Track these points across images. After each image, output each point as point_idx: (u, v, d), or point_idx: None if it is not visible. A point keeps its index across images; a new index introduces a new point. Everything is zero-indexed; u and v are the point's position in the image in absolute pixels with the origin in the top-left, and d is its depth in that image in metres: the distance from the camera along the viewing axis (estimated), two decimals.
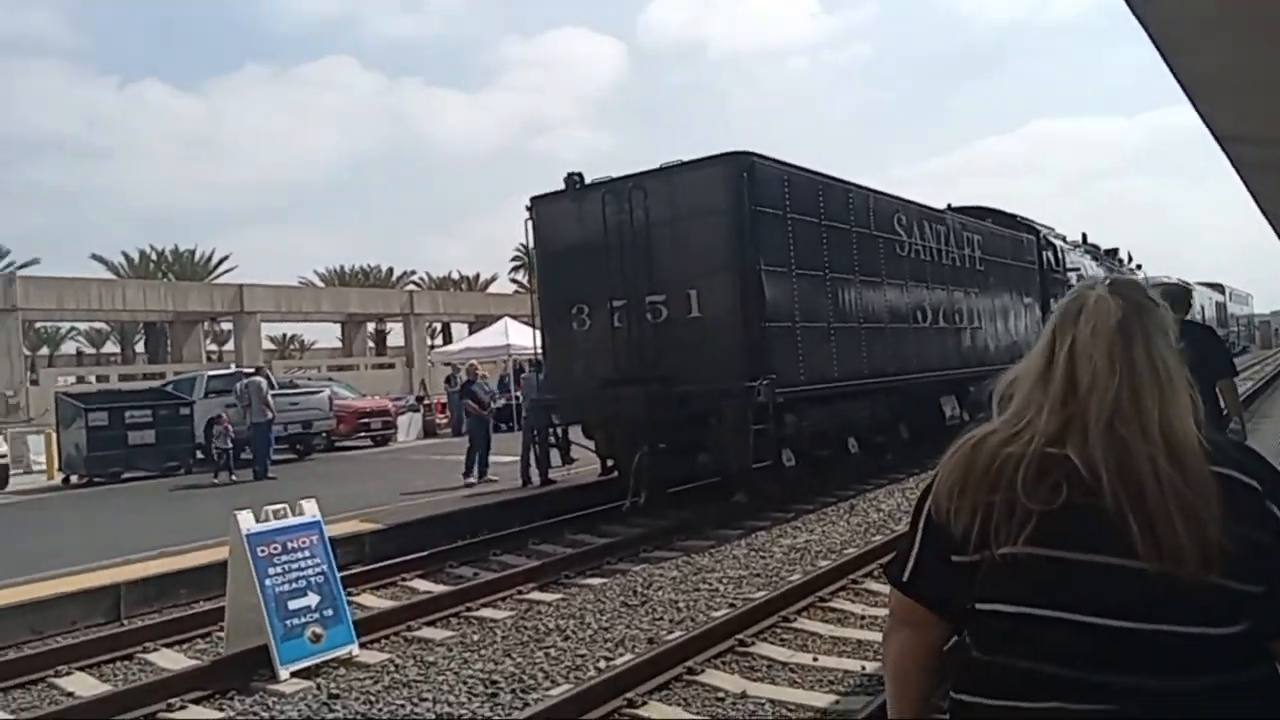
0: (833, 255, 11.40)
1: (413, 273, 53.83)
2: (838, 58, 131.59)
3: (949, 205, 18.70)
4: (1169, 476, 1.18)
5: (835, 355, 11.26)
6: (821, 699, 5.08)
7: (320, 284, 49.32)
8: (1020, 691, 1.23)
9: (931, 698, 1.44)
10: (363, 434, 20.72)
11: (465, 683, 5.59)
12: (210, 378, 18.80)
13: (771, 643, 6.16)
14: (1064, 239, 22.98)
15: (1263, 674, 1.21)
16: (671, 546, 9.32)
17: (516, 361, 20.09)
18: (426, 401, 24.71)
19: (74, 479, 16.72)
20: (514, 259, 50.88)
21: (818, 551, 8.74)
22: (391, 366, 42.54)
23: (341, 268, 51.49)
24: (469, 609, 7.26)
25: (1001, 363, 15.30)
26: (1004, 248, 17.34)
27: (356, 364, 43.34)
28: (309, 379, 25.58)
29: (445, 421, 22.85)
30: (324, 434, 19.03)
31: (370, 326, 46.63)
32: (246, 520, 6.15)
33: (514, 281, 52.84)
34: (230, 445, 15.08)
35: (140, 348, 45.36)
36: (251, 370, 16.31)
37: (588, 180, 11.15)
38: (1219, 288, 50.11)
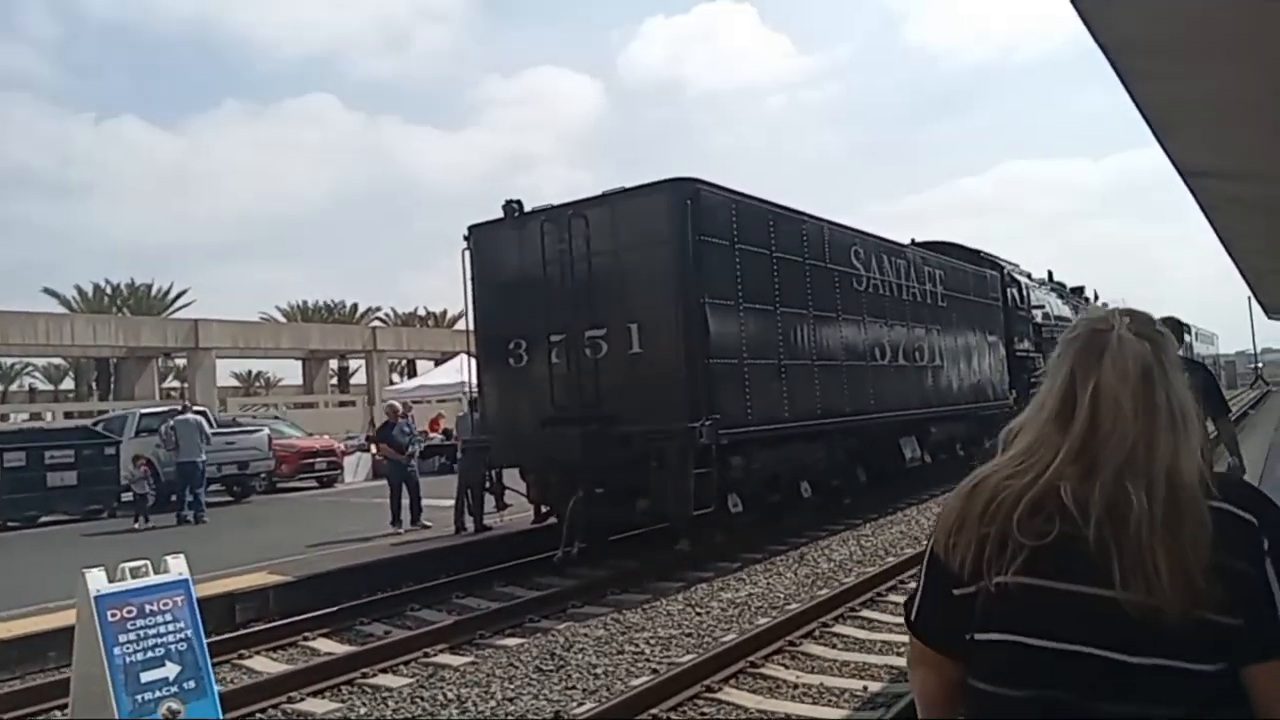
0: (784, 289, 10.86)
1: (378, 309, 52.94)
2: (813, 97, 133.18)
3: (913, 240, 18.38)
4: (1161, 513, 1.19)
5: (786, 394, 10.67)
6: None
7: (282, 319, 48.32)
8: (1016, 718, 1.25)
9: None
10: (307, 475, 19.82)
11: None
12: (143, 415, 17.89)
13: (693, 715, 5.49)
14: (1029, 276, 22.71)
15: (1247, 714, 1.19)
16: (603, 600, 8.61)
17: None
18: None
19: None
20: None
21: (759, 607, 8.06)
22: (353, 404, 41.57)
23: (304, 303, 50.51)
24: (365, 675, 6.51)
25: (965, 402, 14.89)
26: (967, 284, 16.94)
27: (317, 401, 42.33)
28: (253, 417, 24.67)
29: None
30: (262, 475, 18.14)
31: (333, 364, 45.68)
32: (97, 580, 5.37)
33: None
34: (150, 489, 14.21)
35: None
36: (180, 409, 15.44)
37: (528, 208, 10.58)
38: (1186, 327, 50.26)
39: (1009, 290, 19.63)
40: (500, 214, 10.67)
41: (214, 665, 7.15)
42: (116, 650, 5.27)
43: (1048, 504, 1.24)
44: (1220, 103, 8.78)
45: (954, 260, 16.75)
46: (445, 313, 56.24)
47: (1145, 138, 9.86)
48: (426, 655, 6.97)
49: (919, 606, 1.41)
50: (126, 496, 15.73)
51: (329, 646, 7.62)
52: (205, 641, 5.86)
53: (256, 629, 7.96)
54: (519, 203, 10.51)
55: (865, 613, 7.69)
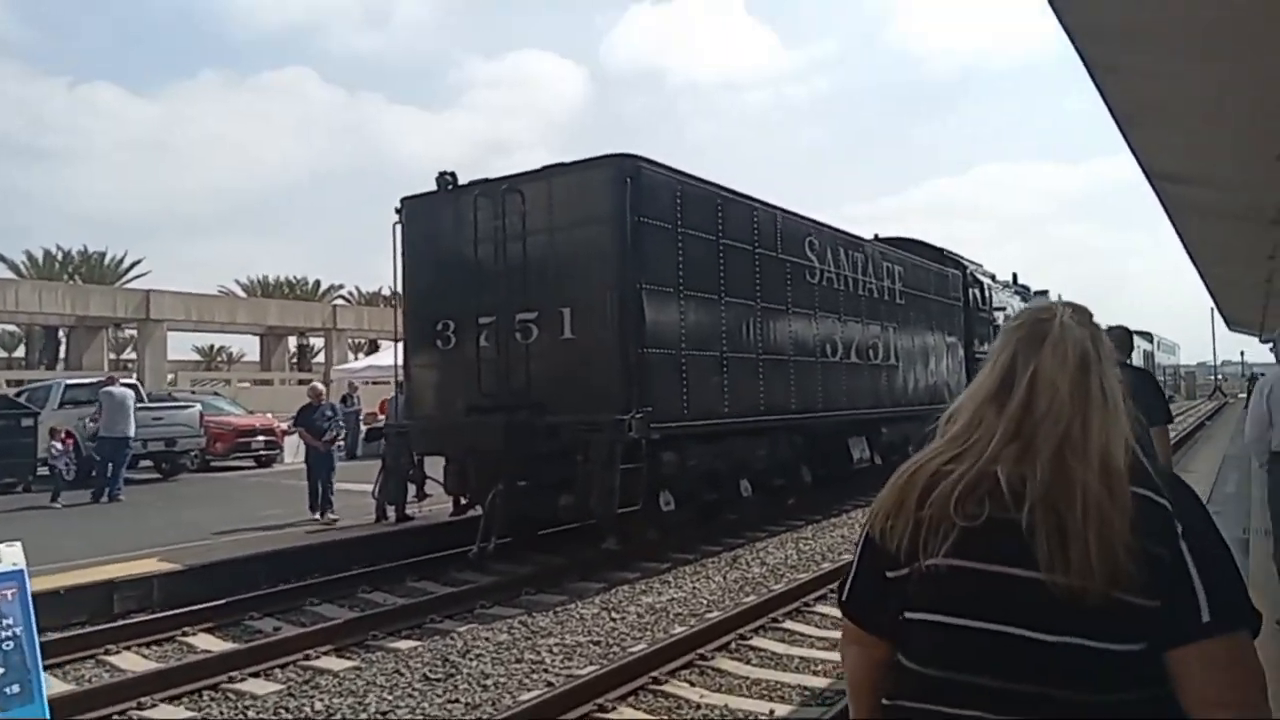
0: (730, 277, 10.35)
1: (341, 286, 51.93)
2: (797, 92, 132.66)
3: (875, 235, 17.94)
4: (1097, 496, 1.22)
5: (728, 389, 10.16)
6: None
7: (242, 294, 47.25)
8: (942, 698, 1.27)
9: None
10: (243, 454, 19.08)
11: None
12: (68, 386, 17.09)
13: None
14: (993, 277, 22.38)
15: (1165, 694, 1.21)
16: (516, 601, 8.08)
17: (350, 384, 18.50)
18: None
19: None
20: None
21: (677, 614, 7.57)
22: (310, 383, 40.68)
23: (265, 278, 49.40)
24: (232, 679, 5.93)
25: (920, 403, 14.41)
26: (927, 281, 16.53)
27: (273, 379, 41.41)
28: (192, 392, 23.85)
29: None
30: (193, 453, 17.40)
31: (292, 341, 44.70)
32: None
33: None
34: (68, 463, 13.48)
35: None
36: (105, 380, 14.68)
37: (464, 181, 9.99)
38: (1148, 336, 50.49)
39: (971, 290, 19.26)
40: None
41: (78, 661, 6.58)
42: None
43: (981, 487, 1.27)
44: (1184, 102, 8.42)
45: (915, 257, 16.32)
46: None
47: (1120, 145, 9.54)
48: (308, 658, 6.40)
49: (851, 588, 1.45)
50: (44, 471, 14.98)
51: (209, 643, 7.03)
52: (38, 640, 5.27)
53: (135, 621, 7.36)
54: (453, 174, 9.91)
55: (789, 624, 7.21)
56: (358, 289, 53.01)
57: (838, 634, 7.02)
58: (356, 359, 39.15)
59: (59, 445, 13.57)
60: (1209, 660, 1.20)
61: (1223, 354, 68.73)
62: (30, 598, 5.30)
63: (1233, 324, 38.04)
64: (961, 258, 19.83)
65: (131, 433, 13.58)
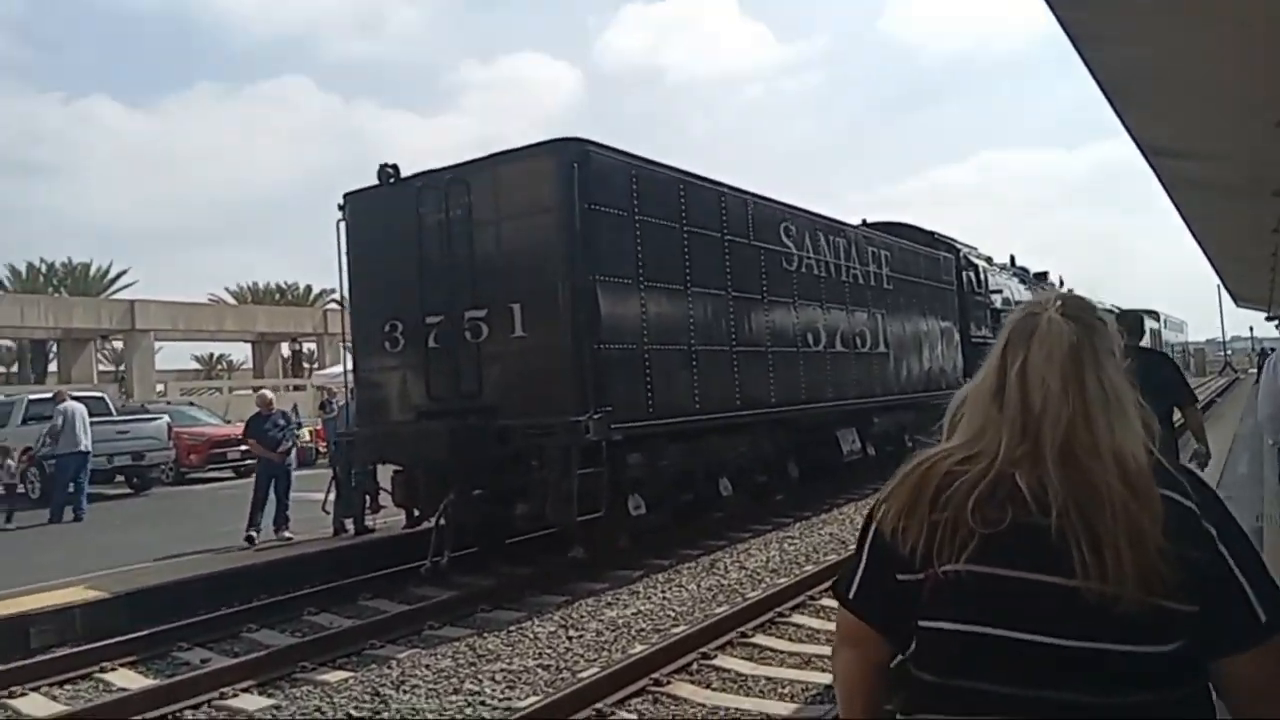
0: (697, 267, 9.75)
1: (333, 291, 51.32)
2: (791, 86, 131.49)
3: (864, 220, 17.33)
4: (1123, 499, 1.18)
5: (698, 384, 9.57)
6: None
7: (233, 302, 46.74)
8: (966, 709, 1.23)
9: (879, 714, 1.42)
10: (220, 465, 18.53)
11: None
12: (31, 402, 16.56)
13: None
14: (989, 260, 21.74)
15: (1195, 691, 1.20)
16: (468, 620, 7.52)
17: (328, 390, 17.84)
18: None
19: None
20: None
21: (640, 630, 6.99)
22: (304, 388, 40.17)
23: (255, 285, 48.88)
24: None
25: (915, 391, 13.81)
26: (917, 266, 15.90)
27: (266, 386, 40.88)
28: (168, 403, 23.33)
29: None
30: (162, 466, 16.87)
31: (285, 347, 44.21)
32: None
33: None
34: (26, 481, 12.97)
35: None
36: (54, 396, 14.11)
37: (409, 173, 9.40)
38: (1154, 315, 49.62)
39: (965, 274, 18.60)
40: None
41: None
42: None
43: (1000, 490, 1.23)
44: (1175, 70, 7.86)
45: (902, 241, 15.68)
46: None
47: (1118, 129, 8.96)
48: (224, 696, 5.84)
49: (859, 584, 1.39)
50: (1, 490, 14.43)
51: (128, 680, 6.48)
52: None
53: (50, 657, 6.80)
54: (395, 167, 9.32)
55: (759, 639, 6.62)
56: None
57: (812, 648, 6.49)
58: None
59: (11, 463, 13.03)
60: (1268, 660, 1.18)
61: (1231, 330, 67.90)
62: None
63: (1240, 300, 37.37)
64: (954, 240, 19.19)
65: (87, 447, 13.04)
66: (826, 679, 5.57)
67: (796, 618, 7.09)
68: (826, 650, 6.38)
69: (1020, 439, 1.25)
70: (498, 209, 8.73)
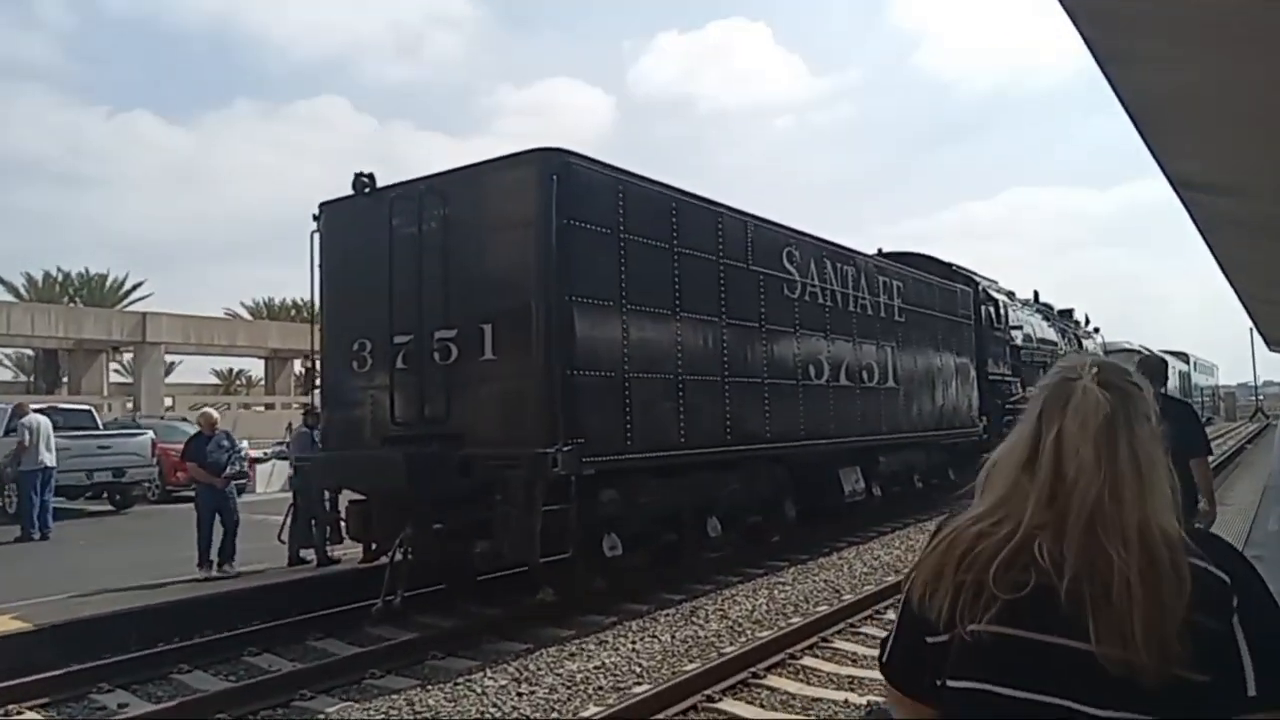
0: (688, 291, 9.13)
1: None
2: (823, 119, 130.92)
3: (879, 250, 16.72)
4: (1136, 580, 1.17)
5: (684, 415, 8.92)
6: None
7: (249, 317, 46.63)
8: None
9: None
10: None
11: None
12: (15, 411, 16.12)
13: None
14: (1011, 294, 21.01)
15: None
16: (415, 670, 6.87)
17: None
18: None
19: None
20: None
21: (599, 688, 6.31)
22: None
23: (270, 300, 48.78)
24: None
25: (925, 429, 13.12)
26: (932, 298, 15.20)
27: (275, 403, 40.58)
28: (161, 418, 22.90)
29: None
30: (145, 483, 16.36)
31: (297, 364, 43.98)
32: None
33: None
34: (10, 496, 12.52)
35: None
36: (12, 406, 13.62)
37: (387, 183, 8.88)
38: (1184, 357, 48.39)
39: (984, 308, 17.88)
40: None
41: None
42: None
43: (1023, 556, 1.24)
44: (1208, 96, 7.28)
45: (916, 272, 15.01)
46: None
47: (1151, 168, 8.14)
48: None
49: (891, 650, 1.43)
50: None
51: None
52: None
53: None
54: (370, 176, 8.80)
55: (726, 703, 5.92)
56: None
57: (785, 716, 5.81)
58: None
59: None
60: None
61: (1263, 374, 66.29)
62: None
63: (1272, 344, 36.24)
64: (974, 273, 18.51)
65: (49, 463, 12.55)
66: None
67: (771, 679, 6.38)
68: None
69: (1048, 507, 1.26)
70: (472, 222, 8.19)
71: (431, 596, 9.03)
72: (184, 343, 36.44)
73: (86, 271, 40.01)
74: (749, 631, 7.82)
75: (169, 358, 44.68)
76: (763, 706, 5.92)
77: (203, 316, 38.03)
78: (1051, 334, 23.00)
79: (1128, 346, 30.58)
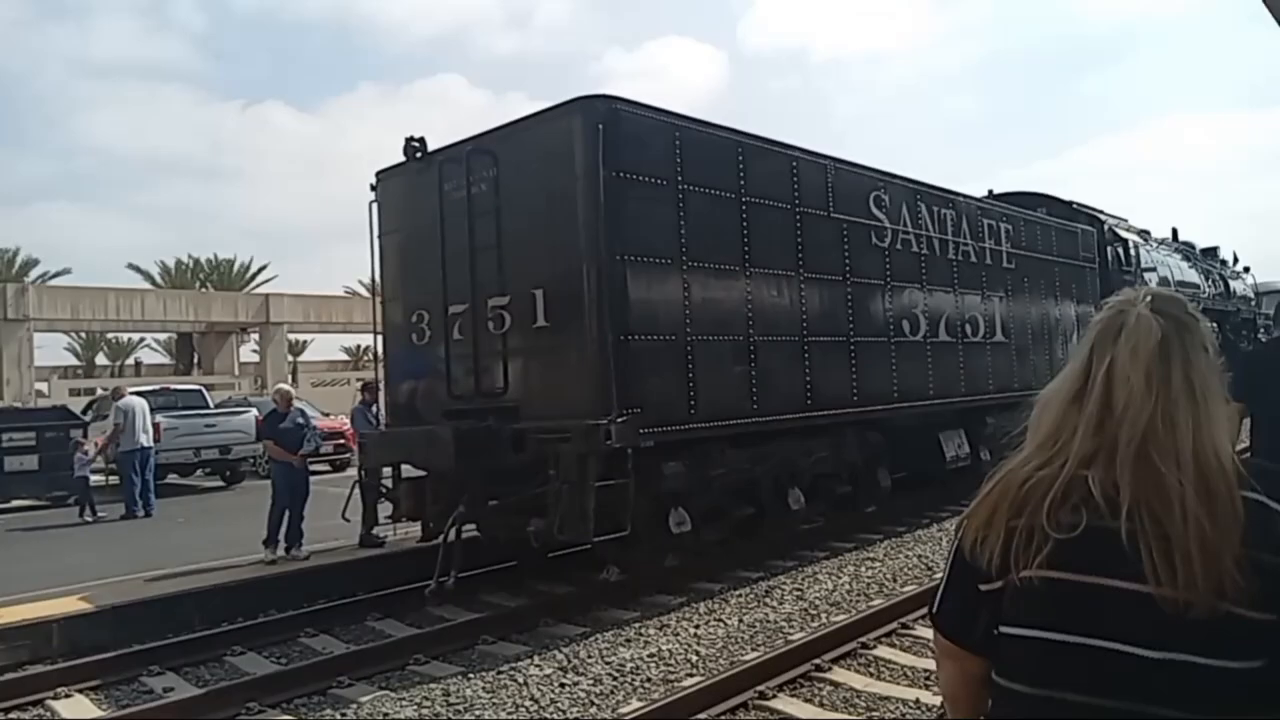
0: (759, 244, 8.43)
1: None
2: (948, 59, 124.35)
3: (990, 192, 15.48)
4: (1194, 504, 1.14)
5: (756, 381, 8.26)
6: None
7: (366, 294, 48.00)
8: (1045, 716, 1.21)
9: None
10: (315, 458, 18.43)
11: None
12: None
13: None
14: (1146, 234, 19.24)
15: None
16: (462, 655, 6.56)
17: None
18: None
19: None
20: None
21: (647, 679, 5.83)
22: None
23: None
24: None
25: (1040, 386, 12.15)
26: (1048, 241, 13.87)
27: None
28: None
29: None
30: (251, 459, 16.80)
31: None
32: None
33: None
34: (89, 475, 12.99)
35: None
36: (113, 392, 14.02)
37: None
38: None
39: (1111, 249, 16.35)
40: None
41: None
42: None
43: (1074, 494, 1.20)
44: None
45: (1029, 213, 13.71)
46: None
47: None
48: None
49: (941, 600, 1.38)
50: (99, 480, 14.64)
51: (79, 710, 5.85)
52: None
53: (18, 674, 6.27)
54: (421, 140, 8.43)
55: (781, 700, 5.33)
56: None
57: (843, 717, 5.19)
58: None
59: (82, 456, 13.06)
60: None
61: None
62: None
63: None
64: (1098, 211, 16.95)
65: (146, 443, 12.91)
66: None
67: (837, 672, 5.73)
68: None
69: (1095, 437, 1.22)
70: (521, 181, 7.71)
71: (501, 574, 8.76)
72: (305, 321, 37.71)
73: (215, 257, 41.89)
74: (824, 615, 7.18)
75: (301, 336, 46.76)
76: (822, 705, 5.30)
77: (322, 296, 39.23)
78: (1193, 275, 21.00)
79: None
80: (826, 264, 9.29)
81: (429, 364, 8.43)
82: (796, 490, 9.14)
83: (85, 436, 14.11)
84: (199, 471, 17.69)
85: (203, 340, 38.57)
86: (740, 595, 7.82)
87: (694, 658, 6.20)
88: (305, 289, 43.88)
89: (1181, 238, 22.63)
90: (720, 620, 7.10)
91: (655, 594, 7.87)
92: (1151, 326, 1.23)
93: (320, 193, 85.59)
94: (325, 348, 54.16)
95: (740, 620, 7.06)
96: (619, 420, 6.90)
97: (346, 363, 59.49)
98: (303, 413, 9.80)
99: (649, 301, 7.38)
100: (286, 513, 9.04)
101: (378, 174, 9.05)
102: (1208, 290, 21.60)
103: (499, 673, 6.02)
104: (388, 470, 8.72)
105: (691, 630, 6.83)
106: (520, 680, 5.87)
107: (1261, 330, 23.80)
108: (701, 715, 4.94)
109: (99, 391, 22.46)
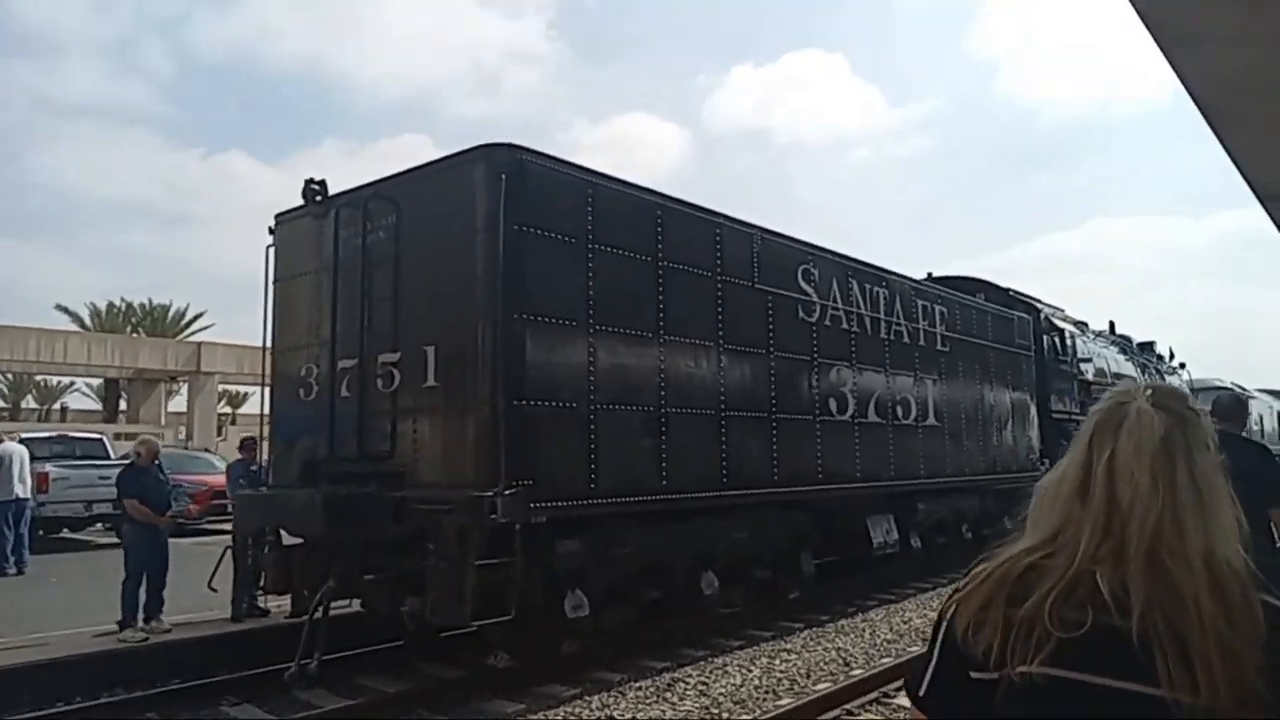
0: (676, 311, 8.01)
1: None
2: (902, 150, 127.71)
3: (929, 275, 15.34)
4: (1210, 611, 1.10)
5: (667, 454, 7.76)
6: None
7: None
8: None
9: None
10: (222, 516, 17.39)
11: None
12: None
13: None
14: (1083, 325, 19.30)
15: None
16: None
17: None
18: None
19: None
20: None
21: None
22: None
23: None
24: None
25: (975, 472, 11.58)
26: (983, 326, 13.72)
27: None
28: (186, 448, 22.52)
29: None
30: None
31: None
32: None
33: None
34: None
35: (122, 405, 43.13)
36: None
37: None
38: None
39: (1047, 337, 16.28)
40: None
41: None
42: None
43: (1080, 591, 1.17)
44: (1272, 80, 6.18)
45: (964, 296, 13.57)
46: None
47: (1248, 196, 7.57)
48: None
49: (930, 682, 1.32)
50: None
51: None
52: None
53: None
54: (322, 183, 7.93)
55: None
56: None
57: None
58: None
59: None
60: None
61: None
62: None
63: None
64: (1037, 300, 16.92)
65: (22, 494, 11.98)
66: None
67: None
68: None
69: (1104, 537, 1.19)
70: (421, 230, 7.23)
71: (388, 654, 8.03)
72: (239, 372, 36.53)
73: (149, 302, 40.66)
74: (726, 714, 6.56)
75: (242, 388, 45.36)
76: None
77: (257, 347, 38.06)
78: (1129, 368, 21.08)
79: (1217, 384, 28.18)
80: (749, 336, 8.90)
81: (315, 421, 7.79)
82: (711, 574, 8.57)
83: None
84: (99, 525, 16.57)
85: (130, 387, 37.20)
86: (640, 688, 7.16)
87: None
88: (248, 340, 42.94)
89: (1121, 332, 22.86)
90: (612, 718, 6.44)
91: (548, 683, 7.20)
92: (1154, 422, 1.22)
93: None
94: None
95: (634, 719, 6.41)
96: (507, 492, 6.32)
97: None
98: (162, 468, 9.00)
99: (549, 365, 6.87)
100: (144, 583, 8.20)
101: (277, 217, 8.52)
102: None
103: None
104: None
105: None
106: None
107: None
108: None
109: None
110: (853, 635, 9.14)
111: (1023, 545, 1.26)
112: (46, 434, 16.26)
